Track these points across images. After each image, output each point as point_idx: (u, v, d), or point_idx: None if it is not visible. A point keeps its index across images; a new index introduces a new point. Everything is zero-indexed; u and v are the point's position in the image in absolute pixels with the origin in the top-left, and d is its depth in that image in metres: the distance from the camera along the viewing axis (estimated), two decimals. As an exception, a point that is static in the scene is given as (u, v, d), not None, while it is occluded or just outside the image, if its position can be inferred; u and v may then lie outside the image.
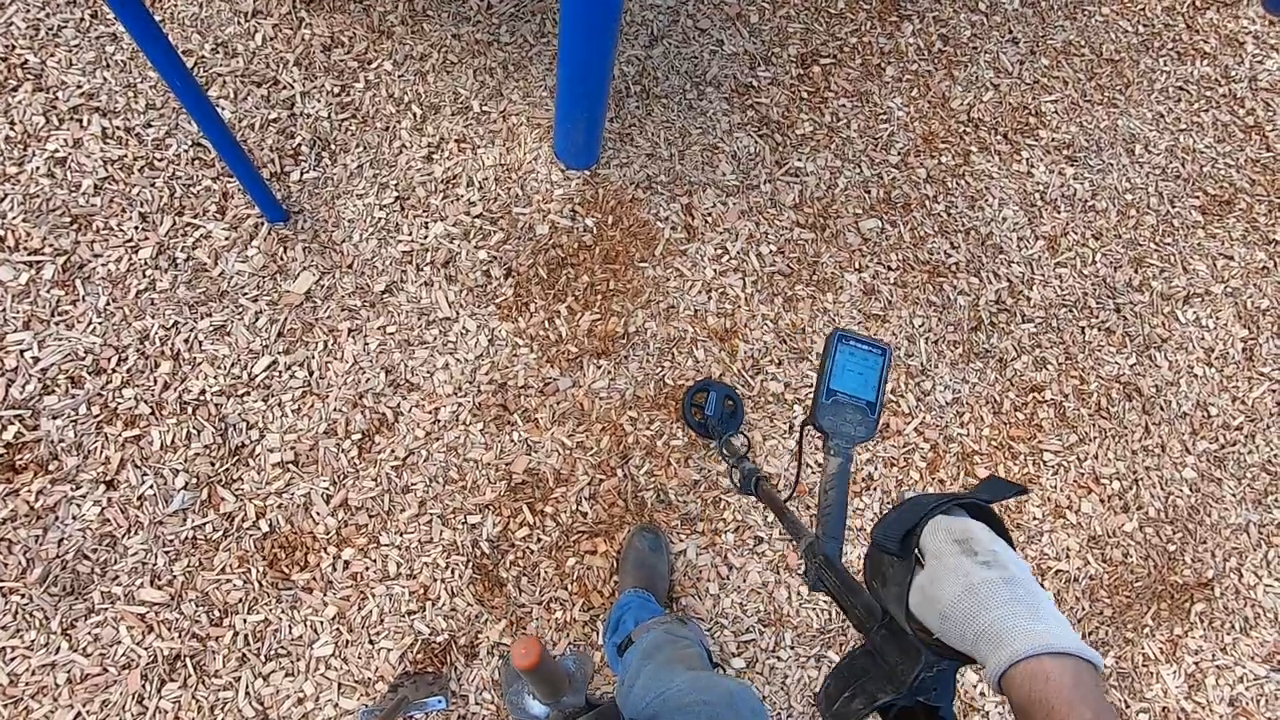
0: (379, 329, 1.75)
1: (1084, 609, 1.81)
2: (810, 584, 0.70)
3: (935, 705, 0.52)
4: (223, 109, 1.87)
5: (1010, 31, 2.41)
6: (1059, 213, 2.19)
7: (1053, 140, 2.28)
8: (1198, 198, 2.29)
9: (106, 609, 1.47)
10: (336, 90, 1.95)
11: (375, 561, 1.59)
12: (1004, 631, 0.43)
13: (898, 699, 0.52)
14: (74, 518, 1.51)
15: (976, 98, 2.29)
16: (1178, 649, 1.82)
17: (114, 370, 1.63)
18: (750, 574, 1.70)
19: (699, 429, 1.77)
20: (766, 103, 2.16)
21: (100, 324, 1.66)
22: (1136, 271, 2.17)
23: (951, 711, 0.52)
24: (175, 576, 1.51)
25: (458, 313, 1.79)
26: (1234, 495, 1.98)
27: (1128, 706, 1.75)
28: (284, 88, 1.92)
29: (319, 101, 1.93)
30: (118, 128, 1.81)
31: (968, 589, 0.46)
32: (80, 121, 1.80)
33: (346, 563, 1.57)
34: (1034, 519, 1.87)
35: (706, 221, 1.99)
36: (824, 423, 0.75)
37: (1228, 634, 1.85)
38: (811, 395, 0.77)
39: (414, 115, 1.95)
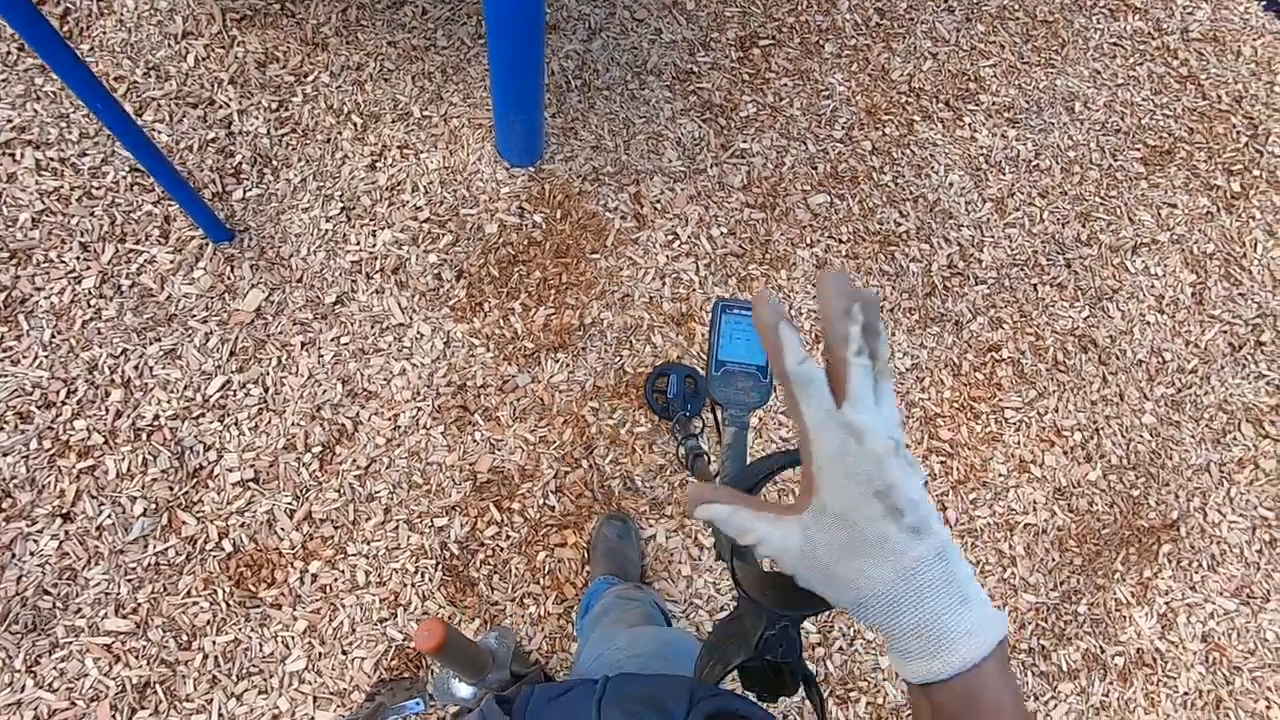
0: (333, 340, 1.74)
1: (1054, 560, 1.83)
2: (716, 555, 0.70)
3: (785, 661, 0.52)
4: (159, 133, 1.86)
5: (945, 0, 2.44)
6: (1004, 174, 2.22)
7: (994, 104, 2.31)
8: (1139, 150, 2.32)
9: (71, 642, 1.45)
10: (274, 106, 1.93)
11: (343, 572, 1.58)
12: (945, 632, 0.37)
13: (749, 660, 0.52)
14: (31, 554, 1.49)
15: (916, 68, 2.32)
16: (1148, 591, 1.85)
17: (63, 403, 1.61)
18: (714, 557, 1.70)
19: (663, 413, 1.77)
20: (708, 87, 2.17)
21: (47, 357, 1.64)
22: (1084, 226, 2.20)
23: (802, 663, 0.53)
24: (140, 604, 1.50)
25: (411, 318, 1.79)
26: (1193, 437, 2.01)
27: (1102, 651, 1.78)
28: (220, 107, 1.91)
29: (257, 118, 1.91)
30: (52, 159, 1.79)
31: (901, 574, 0.37)
32: (13, 156, 1.78)
33: (314, 576, 1.56)
34: (999, 475, 1.89)
35: (656, 209, 1.99)
36: (717, 394, 0.75)
37: (1195, 572, 1.88)
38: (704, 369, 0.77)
39: (354, 125, 1.95)
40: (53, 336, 1.66)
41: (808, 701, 0.55)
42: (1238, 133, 2.39)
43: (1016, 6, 2.47)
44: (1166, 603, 1.84)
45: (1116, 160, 2.30)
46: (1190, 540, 1.90)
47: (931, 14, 2.41)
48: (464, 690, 0.75)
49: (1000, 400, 1.96)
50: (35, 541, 1.50)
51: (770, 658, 0.52)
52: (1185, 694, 1.78)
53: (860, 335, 0.38)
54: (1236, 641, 1.83)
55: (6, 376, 1.60)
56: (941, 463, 1.88)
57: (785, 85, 2.22)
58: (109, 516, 1.54)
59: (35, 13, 1.13)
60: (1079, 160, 2.28)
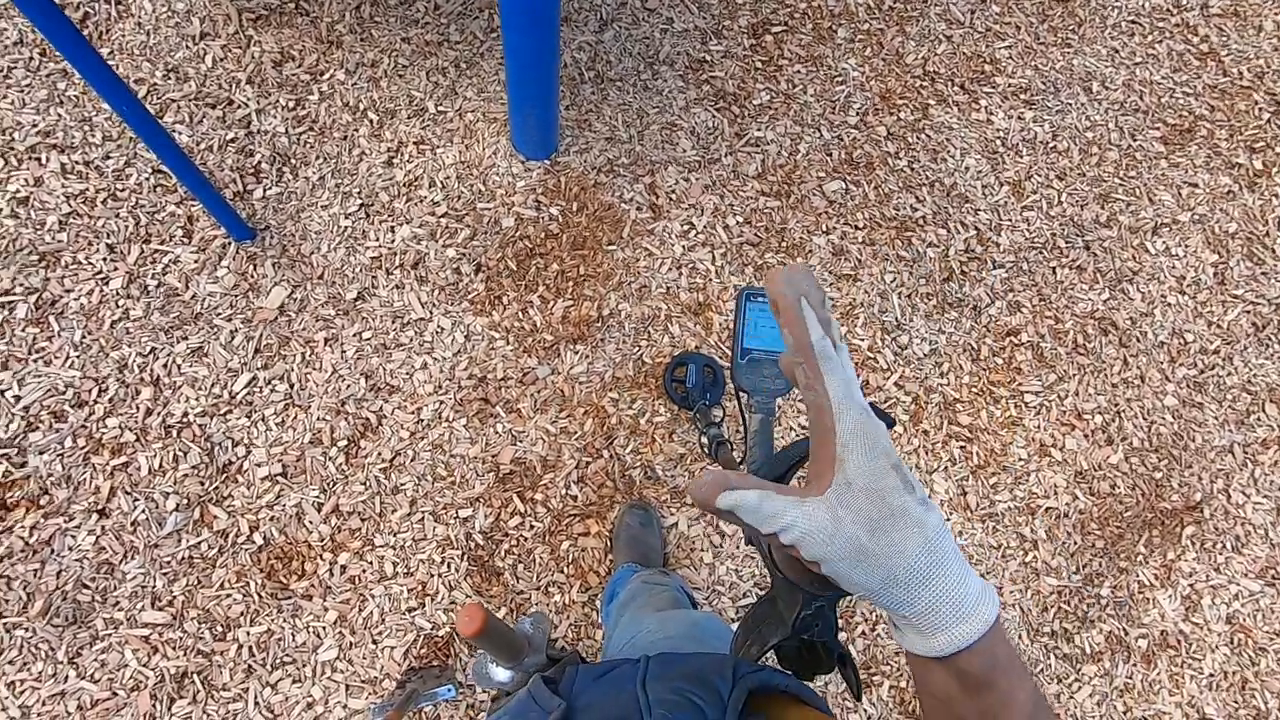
0: (355, 336, 1.77)
1: (1076, 543, 1.83)
2: (745, 539, 0.72)
3: (821, 640, 0.53)
4: (179, 134, 1.88)
5: (959, -18, 2.41)
6: (1021, 157, 2.20)
7: (1009, 86, 2.29)
8: (1158, 129, 2.30)
9: (110, 634, 1.49)
10: (291, 104, 1.95)
11: (371, 563, 1.61)
12: (965, 597, 0.37)
13: (785, 640, 0.53)
14: (70, 549, 1.53)
15: (930, 51, 2.30)
16: (1172, 573, 1.84)
17: (96, 401, 1.64)
18: (743, 540, 1.72)
19: (682, 402, 1.79)
20: (721, 76, 2.16)
21: (78, 357, 1.67)
22: (1103, 207, 2.18)
23: (837, 642, 0.54)
24: (175, 596, 1.53)
25: (431, 312, 1.81)
26: (1216, 418, 2.00)
27: (1126, 634, 1.78)
28: (239, 107, 1.93)
29: (275, 117, 1.93)
30: (77, 162, 1.82)
31: (925, 545, 0.37)
32: (39, 160, 1.81)
33: (343, 567, 1.59)
34: (1020, 459, 1.88)
35: (671, 199, 2.00)
36: (743, 381, 0.75)
37: (1220, 554, 1.87)
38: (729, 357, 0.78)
39: (371, 122, 1.96)
40: (83, 337, 1.69)
41: (843, 680, 0.56)
42: (1260, 109, 2.36)
43: (1032, -14, 2.44)
44: (1190, 585, 1.84)
45: (1136, 140, 2.28)
46: (1214, 522, 1.89)
47: (945, -4, 2.38)
48: (502, 674, 0.77)
49: (1020, 384, 1.96)
50: (73, 537, 1.54)
51: (806, 637, 0.54)
52: (1210, 676, 1.77)
53: (831, 320, 0.39)
54: (1262, 623, 1.82)
55: (40, 377, 1.64)
56: (961, 447, 1.88)
57: (798, 72, 2.21)
58: (143, 512, 1.57)
59: (61, 16, 1.15)
60: (1097, 141, 2.26)
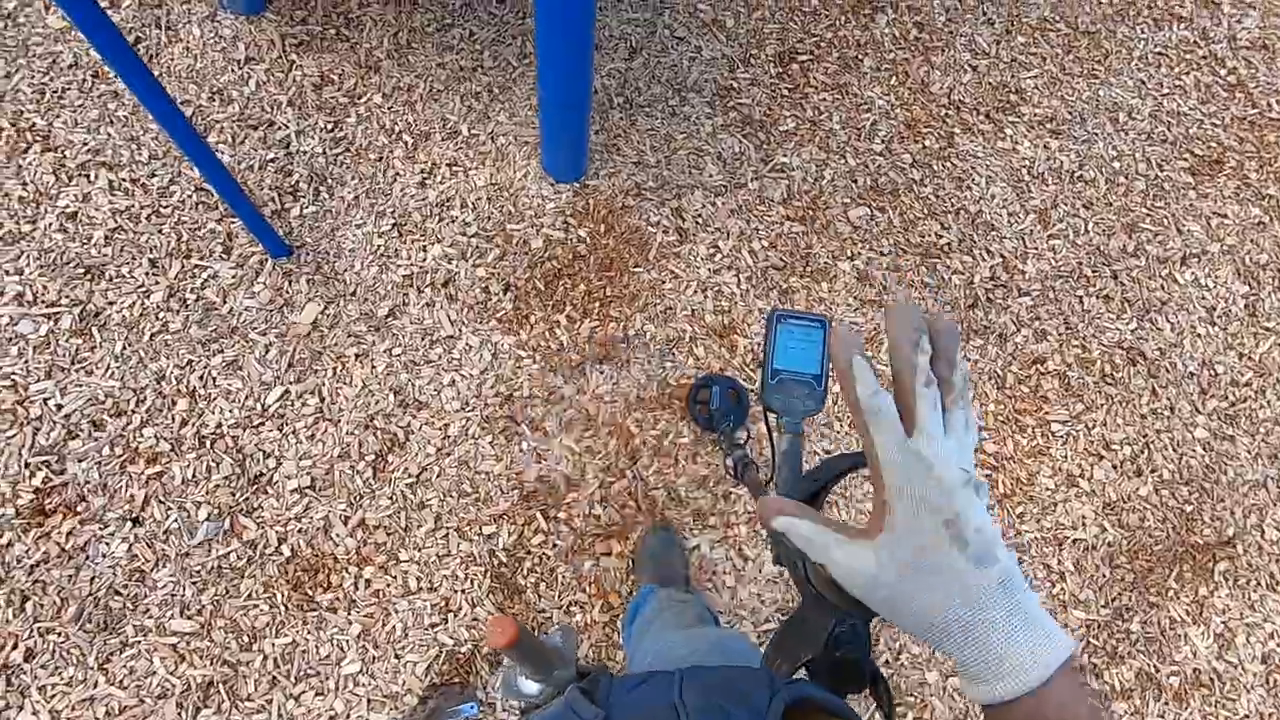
0: (385, 352, 1.80)
1: (1104, 576, 1.80)
2: (774, 559, 0.72)
3: (853, 657, 0.54)
4: (222, 154, 1.94)
5: (985, 13, 2.44)
6: (1047, 185, 2.21)
7: (1035, 115, 2.30)
8: (1186, 160, 2.29)
9: (140, 641, 1.51)
10: (329, 126, 2.01)
11: (395, 578, 1.62)
12: (1007, 656, 0.38)
13: (817, 657, 0.54)
14: (103, 555, 1.56)
15: (956, 80, 2.32)
16: (1204, 609, 1.80)
17: (133, 411, 1.68)
18: (765, 564, 1.71)
19: (706, 424, 1.79)
20: (748, 103, 2.20)
21: (118, 368, 1.72)
22: (1130, 237, 2.18)
23: (870, 660, 0.54)
24: (204, 606, 1.55)
25: (460, 330, 1.84)
26: (1249, 452, 1.96)
27: (1157, 671, 1.74)
28: (279, 128, 1.99)
29: (313, 138, 1.99)
30: (124, 179, 1.88)
31: (967, 601, 0.39)
32: (88, 177, 1.87)
33: (368, 581, 1.61)
34: (1047, 490, 1.86)
35: (697, 222, 2.02)
36: (772, 402, 0.77)
37: (1254, 591, 1.83)
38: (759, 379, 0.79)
39: (405, 144, 2.01)
40: (123, 348, 1.74)
41: (874, 700, 0.57)
42: (1290, 141, 2.35)
43: (1057, 18, 2.47)
44: (1224, 622, 1.80)
45: (1163, 171, 2.27)
46: (1247, 558, 1.86)
47: (970, 27, 2.41)
48: (532, 687, 0.78)
49: (1046, 413, 1.94)
50: (107, 544, 1.57)
51: (839, 654, 0.54)
52: (1245, 716, 1.73)
53: (928, 365, 0.40)
54: (1298, 663, 1.78)
55: (82, 386, 1.68)
56: (987, 476, 1.86)
57: (824, 100, 2.24)
58: (175, 521, 1.60)
59: (121, 41, 1.20)
60: (1124, 171, 2.26)
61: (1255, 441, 1.97)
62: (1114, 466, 1.90)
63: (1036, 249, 2.12)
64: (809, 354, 0.79)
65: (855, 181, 2.14)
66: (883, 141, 2.21)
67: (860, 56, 2.32)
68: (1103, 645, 1.75)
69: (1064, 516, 1.85)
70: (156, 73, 1.99)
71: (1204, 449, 1.95)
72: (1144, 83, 2.39)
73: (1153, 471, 1.91)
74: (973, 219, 2.14)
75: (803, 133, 2.19)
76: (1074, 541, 1.82)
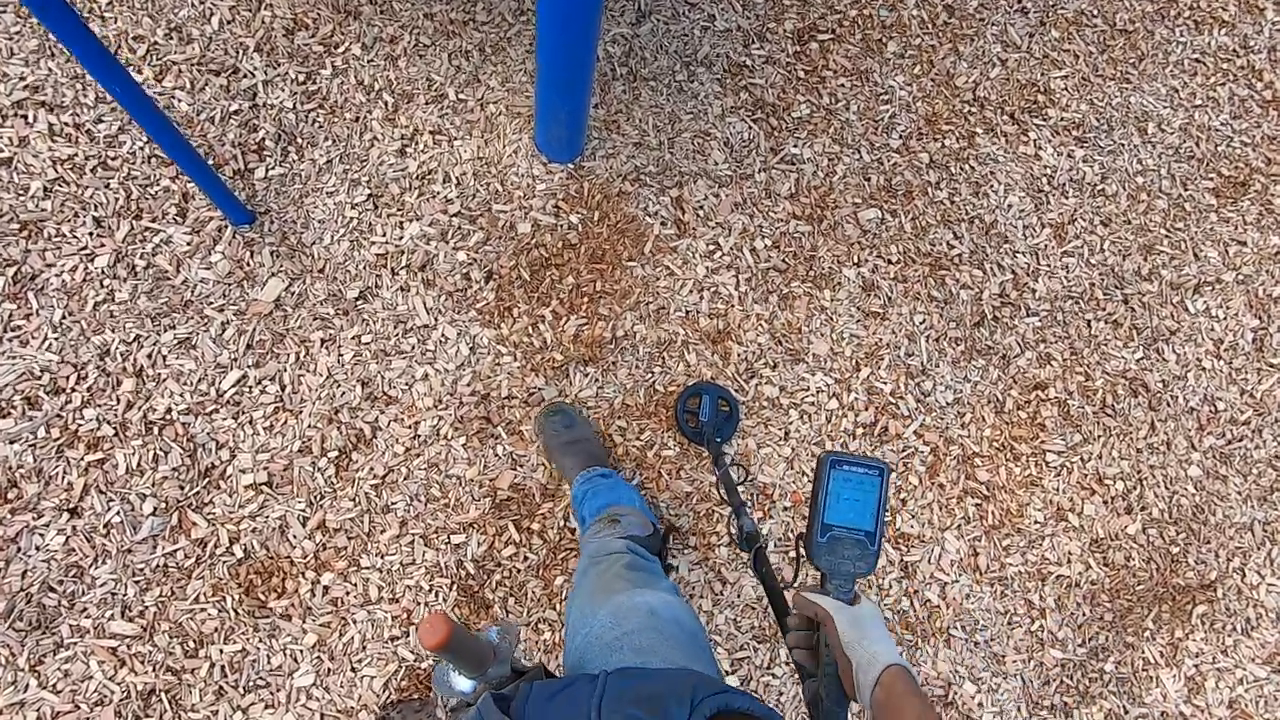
0: (353, 338, 1.67)
1: (1084, 614, 1.78)
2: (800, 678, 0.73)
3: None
4: (179, 101, 1.75)
5: (1020, 1, 2.27)
6: (1067, 198, 2.09)
7: (1062, 120, 2.16)
8: (1211, 179, 2.19)
9: (76, 643, 1.42)
10: (301, 78, 1.82)
11: (356, 585, 1.53)
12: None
13: None
14: (37, 548, 1.45)
15: (983, 74, 2.17)
16: (1178, 652, 1.79)
17: (73, 389, 1.54)
18: (744, 589, 1.65)
19: (694, 436, 1.70)
20: (761, 84, 2.03)
21: (57, 340, 1.57)
22: (1145, 259, 2.08)
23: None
24: (147, 607, 1.46)
25: (436, 319, 1.70)
26: (1239, 493, 1.93)
27: (1125, 712, 1.73)
28: (244, 76, 1.79)
29: (283, 90, 1.80)
30: (66, 124, 1.69)
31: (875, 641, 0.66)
32: (25, 118, 1.68)
33: (326, 588, 1.52)
34: (1035, 523, 1.82)
35: (698, 215, 1.88)
36: (821, 563, 0.70)
37: (1229, 635, 1.82)
38: (805, 527, 0.71)
39: (385, 104, 1.83)
40: (63, 318, 1.58)
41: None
42: (1318, 167, 2.25)
43: (1095, 12, 2.30)
44: (1196, 665, 1.79)
45: (1187, 190, 2.17)
46: (1226, 602, 1.84)
47: (1004, 15, 2.24)
48: (464, 684, 0.73)
49: (1043, 442, 1.88)
50: (41, 536, 1.46)
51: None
52: (1204, 758, 1.74)
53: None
54: (1264, 710, 1.78)
55: (15, 358, 1.53)
56: (976, 505, 1.81)
57: (842, 86, 2.08)
58: (117, 514, 1.49)
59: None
60: (1147, 187, 2.15)
61: (1247, 483, 1.94)
62: (1105, 502, 1.86)
63: (1049, 266, 2.03)
64: (864, 506, 0.70)
65: (868, 180, 2.01)
66: (900, 137, 2.06)
67: (884, 40, 2.15)
68: (1075, 684, 1.74)
69: (1050, 551, 1.81)
70: (105, 0, 1.77)
71: (1196, 488, 1.92)
72: (1176, 91, 2.26)
73: (1143, 509, 1.87)
74: (987, 229, 2.02)
75: (817, 121, 2.03)
76: (1058, 578, 1.79)
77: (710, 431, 1.66)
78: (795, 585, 0.77)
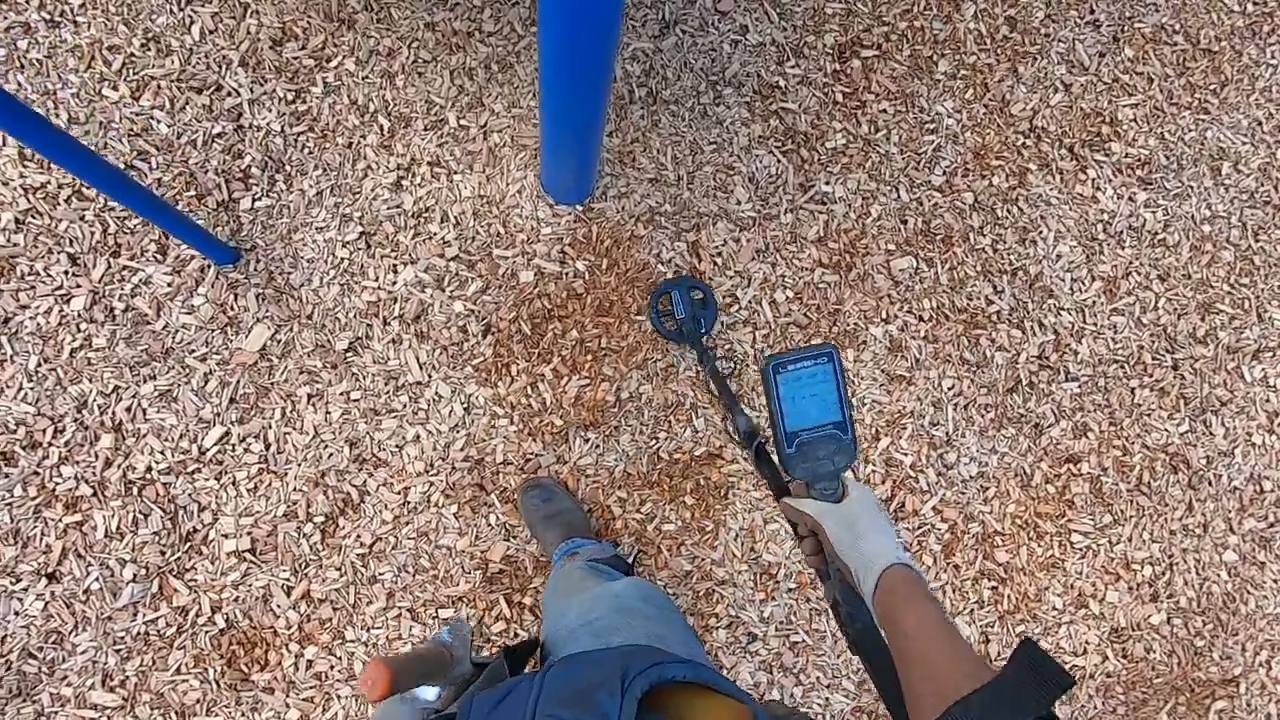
0: (342, 395, 1.58)
1: (1096, 708, 1.71)
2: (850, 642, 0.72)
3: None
4: (158, 122, 1.62)
5: (1092, 9, 2.02)
6: (1122, 249, 1.91)
7: (1126, 156, 1.95)
8: (1287, 229, 1.98)
9: (57, 712, 1.40)
10: (290, 96, 1.67)
11: (340, 659, 1.49)
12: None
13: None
14: (16, 613, 1.42)
15: (1043, 101, 1.95)
16: (1191, 751, 1.73)
17: (50, 444, 1.48)
18: (741, 674, 1.59)
19: (674, 337, 1.65)
20: (794, 109, 1.84)
21: (32, 389, 1.49)
22: (1203, 319, 1.91)
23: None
24: (128, 676, 1.43)
25: (430, 376, 1.60)
26: (1275, 580, 1.82)
27: (1130, 814, 1.68)
28: (229, 94, 1.65)
29: (270, 111, 1.66)
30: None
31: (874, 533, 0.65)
32: (-7, 140, 1.56)
33: (310, 661, 1.48)
34: (1053, 609, 1.73)
35: (715, 264, 1.74)
36: (799, 473, 0.67)
37: (1247, 735, 1.75)
38: (772, 440, 0.67)
39: (380, 129, 1.68)
40: (39, 365, 1.51)
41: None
42: None
43: (1177, 27, 2.05)
44: (1207, 765, 1.73)
45: (1258, 240, 1.97)
46: (1248, 698, 1.76)
47: (1072, 30, 2.00)
48: (429, 693, 0.73)
49: (1069, 521, 1.77)
50: (20, 601, 1.42)
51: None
52: None
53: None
54: (1274, 812, 1.73)
55: (-11, 411, 1.47)
56: (993, 589, 1.72)
57: (884, 111, 1.88)
58: (96, 580, 1.44)
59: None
60: (1213, 236, 1.95)
61: (1285, 571, 1.83)
62: (1130, 589, 1.76)
63: (1095, 326, 1.86)
64: (824, 398, 0.67)
65: (904, 223, 1.84)
66: (944, 173, 1.88)
67: (936, 57, 1.93)
68: (1079, 779, 1.68)
69: (1066, 640, 1.72)
70: (79, 2, 1.62)
71: (1229, 574, 1.81)
72: (1260, 124, 2.03)
73: (1170, 597, 1.77)
74: (1030, 282, 1.86)
75: (853, 154, 1.85)
76: (1072, 668, 1.71)
77: (690, 326, 1.59)
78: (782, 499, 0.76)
